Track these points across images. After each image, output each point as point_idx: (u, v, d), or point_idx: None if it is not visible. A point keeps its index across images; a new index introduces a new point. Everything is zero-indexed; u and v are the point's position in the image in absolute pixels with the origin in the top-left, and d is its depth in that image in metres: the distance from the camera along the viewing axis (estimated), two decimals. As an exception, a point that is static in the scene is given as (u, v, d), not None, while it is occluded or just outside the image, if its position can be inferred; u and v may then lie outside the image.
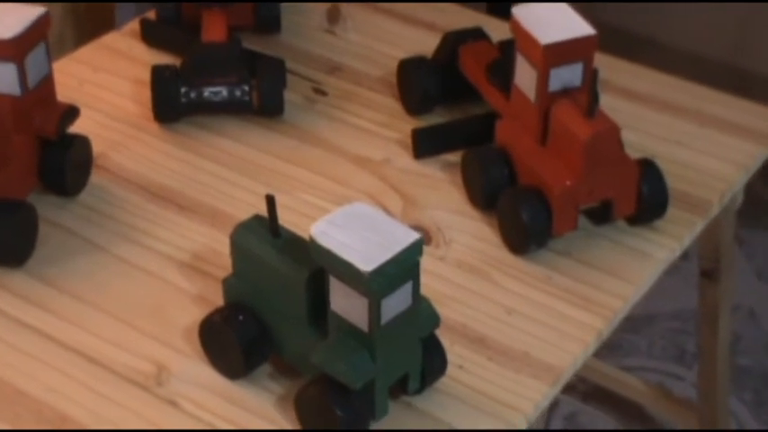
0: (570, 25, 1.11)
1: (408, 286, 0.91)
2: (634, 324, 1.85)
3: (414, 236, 0.90)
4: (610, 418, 1.74)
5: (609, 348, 1.81)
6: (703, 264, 1.44)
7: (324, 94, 1.32)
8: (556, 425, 1.74)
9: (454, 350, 1.02)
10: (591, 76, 1.10)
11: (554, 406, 1.77)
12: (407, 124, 1.26)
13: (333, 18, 1.44)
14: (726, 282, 1.44)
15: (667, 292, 1.86)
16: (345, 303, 0.92)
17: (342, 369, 0.92)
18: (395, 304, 0.91)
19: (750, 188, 2.08)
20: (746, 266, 1.96)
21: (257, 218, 0.99)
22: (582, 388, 1.78)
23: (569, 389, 1.78)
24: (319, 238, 0.90)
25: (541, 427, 1.75)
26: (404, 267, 0.90)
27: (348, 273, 0.89)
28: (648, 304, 1.87)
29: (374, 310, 0.90)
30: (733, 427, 1.71)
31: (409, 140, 1.23)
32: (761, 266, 1.97)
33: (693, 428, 1.61)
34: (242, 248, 0.98)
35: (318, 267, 0.93)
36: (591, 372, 1.74)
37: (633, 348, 1.83)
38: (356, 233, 0.90)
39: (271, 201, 0.97)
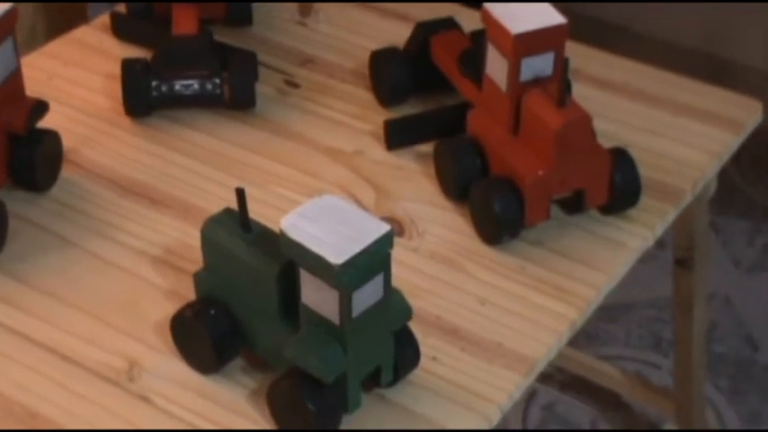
0: (541, 15, 1.11)
1: (379, 278, 0.92)
2: (611, 313, 1.86)
3: (384, 228, 0.90)
4: (587, 407, 1.75)
5: (586, 338, 1.81)
6: (677, 252, 1.44)
7: (296, 86, 1.32)
8: (534, 414, 1.75)
9: (428, 342, 1.02)
10: (562, 66, 1.11)
11: (532, 396, 1.77)
12: (380, 116, 1.26)
13: (305, 10, 1.44)
14: (700, 270, 1.45)
15: (643, 280, 1.87)
16: (316, 297, 0.92)
17: (313, 363, 0.92)
18: (366, 297, 0.91)
19: (726, 177, 2.10)
20: (722, 254, 1.97)
21: (228, 211, 0.99)
22: (559, 378, 1.79)
23: (547, 379, 1.79)
24: (289, 231, 0.90)
25: (519, 416, 1.76)
26: (375, 260, 0.90)
27: (318, 266, 0.89)
28: (625, 293, 1.88)
29: (345, 303, 0.90)
30: (709, 414, 1.71)
31: (382, 132, 1.23)
32: (737, 254, 1.97)
33: (670, 415, 1.61)
34: (212, 242, 0.98)
35: (289, 261, 0.93)
36: (568, 361, 1.74)
37: (610, 337, 1.84)
38: (326, 226, 0.91)
39: (241, 194, 0.96)
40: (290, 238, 0.90)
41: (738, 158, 2.12)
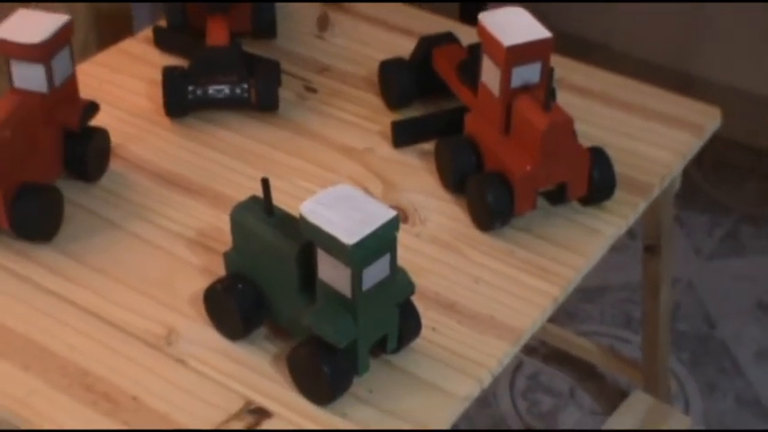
0: (529, 29, 1.10)
1: (386, 258, 0.91)
2: (588, 295, 1.86)
3: (391, 213, 0.90)
4: (567, 377, 1.74)
5: (566, 316, 1.81)
6: (646, 240, 1.43)
7: (314, 91, 1.31)
8: (520, 383, 1.74)
9: (428, 315, 1.02)
10: (547, 74, 1.10)
11: (518, 367, 1.76)
12: (387, 117, 1.25)
13: (322, 25, 1.43)
14: (666, 256, 1.44)
15: (617, 267, 1.86)
16: (331, 273, 0.91)
17: (328, 331, 0.92)
18: (374, 274, 0.91)
19: (690, 178, 2.09)
20: (686, 244, 1.96)
21: (254, 198, 0.99)
22: (543, 351, 1.78)
23: (532, 351, 1.78)
24: (308, 216, 0.90)
25: (507, 384, 1.75)
26: (382, 241, 0.90)
27: (333, 246, 0.89)
28: (600, 278, 1.87)
29: (356, 279, 0.90)
30: (672, 383, 1.71)
31: (389, 132, 1.23)
32: (698, 244, 1.97)
33: (639, 384, 1.60)
34: (240, 225, 0.98)
35: (307, 241, 0.92)
36: (551, 336, 1.74)
37: (587, 316, 1.83)
38: (340, 211, 0.90)
39: (265, 183, 0.96)
40: (309, 222, 0.89)
41: (700, 162, 2.12)
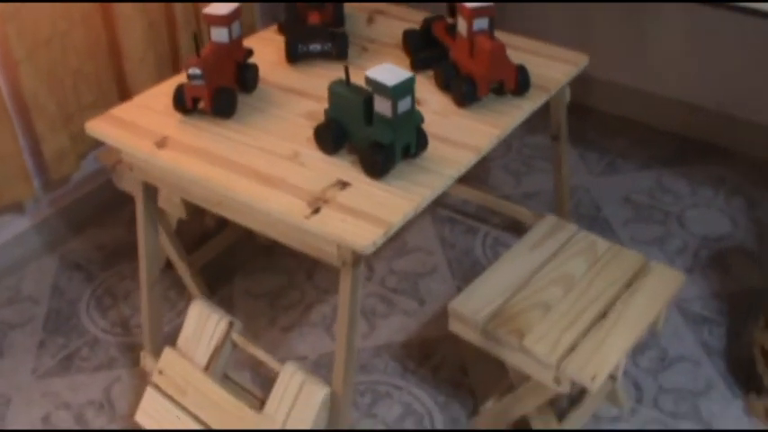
0: (484, 1, 1.31)
1: (410, 97, 1.12)
2: (535, 194, 1.97)
3: (411, 74, 1.11)
4: (514, 237, 1.86)
5: (522, 204, 1.89)
6: (552, 132, 1.59)
7: (366, 50, 1.50)
8: (489, 241, 1.86)
9: (432, 142, 1.22)
10: (492, 25, 1.30)
11: (487, 233, 1.88)
12: (407, 59, 1.44)
13: (370, 20, 1.61)
14: (563, 142, 1.60)
15: (547, 180, 2.03)
16: (382, 106, 1.12)
17: (380, 135, 1.12)
18: (403, 105, 1.12)
19: (589, 135, 2.15)
20: (584, 168, 2.07)
21: (340, 79, 1.20)
22: (504, 224, 1.91)
23: (497, 225, 1.90)
24: (370, 75, 1.12)
25: (480, 243, 1.83)
26: (407, 87, 1.11)
27: (382, 89, 1.10)
28: (541, 185, 2.01)
29: (394, 107, 1.10)
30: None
31: (409, 65, 1.42)
32: (591, 168, 2.07)
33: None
34: (333, 91, 1.18)
35: (370, 95, 1.12)
36: (511, 212, 1.85)
37: (534, 204, 1.92)
38: (387, 73, 1.11)
39: (346, 69, 1.18)
40: (370, 78, 1.11)
41: (595, 127, 2.23)
